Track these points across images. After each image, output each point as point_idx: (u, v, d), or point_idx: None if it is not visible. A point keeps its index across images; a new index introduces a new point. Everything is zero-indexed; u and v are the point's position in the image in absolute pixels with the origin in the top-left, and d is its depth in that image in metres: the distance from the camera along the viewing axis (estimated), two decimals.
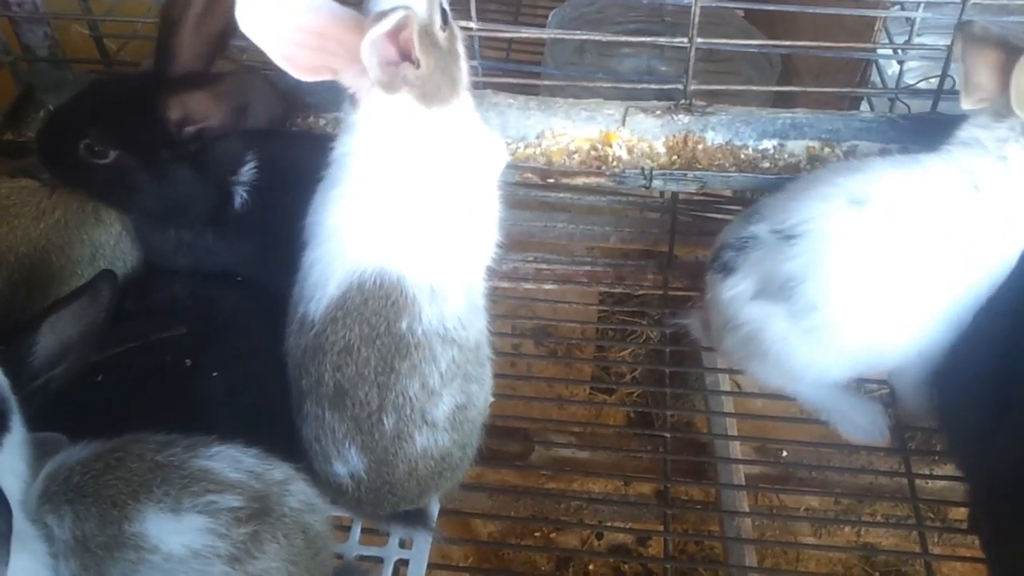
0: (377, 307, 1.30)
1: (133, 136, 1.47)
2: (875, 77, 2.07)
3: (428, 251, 1.33)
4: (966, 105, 1.48)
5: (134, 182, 1.50)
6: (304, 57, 1.25)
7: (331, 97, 1.90)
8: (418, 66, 1.26)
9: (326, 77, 1.28)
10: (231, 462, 1.18)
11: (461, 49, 1.38)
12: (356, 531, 1.57)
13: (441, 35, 1.31)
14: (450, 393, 1.36)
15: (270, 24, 1.22)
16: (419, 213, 1.33)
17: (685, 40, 1.78)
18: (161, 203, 1.53)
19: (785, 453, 2.21)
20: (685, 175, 1.81)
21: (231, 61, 1.74)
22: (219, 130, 1.48)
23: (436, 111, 1.33)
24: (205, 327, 1.51)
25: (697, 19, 1.74)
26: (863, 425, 1.69)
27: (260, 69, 1.76)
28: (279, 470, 1.22)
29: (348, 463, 1.37)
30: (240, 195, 1.56)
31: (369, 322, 1.30)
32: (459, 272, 1.37)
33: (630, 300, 2.53)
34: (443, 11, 1.32)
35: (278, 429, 1.41)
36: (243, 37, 1.89)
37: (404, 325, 1.30)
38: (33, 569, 1.06)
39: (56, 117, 1.56)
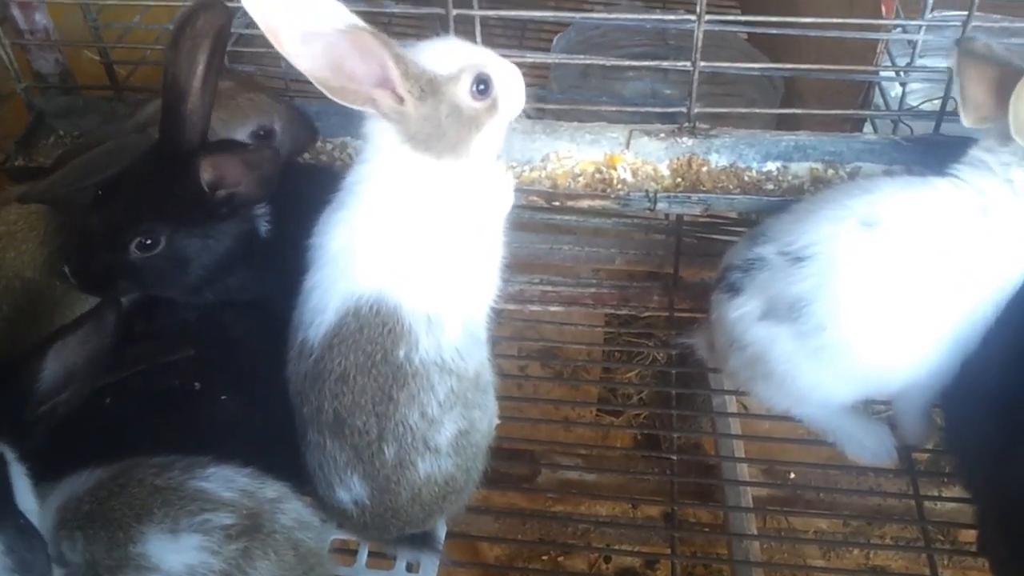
0: (373, 335, 1.29)
1: (174, 211, 1.45)
2: (878, 99, 2.08)
3: (427, 282, 1.32)
4: (967, 123, 1.49)
5: (187, 255, 1.48)
6: (333, 81, 1.25)
7: (338, 122, 1.93)
8: (400, 102, 1.28)
9: (356, 104, 1.29)
10: (225, 482, 1.22)
11: (493, 130, 1.36)
12: (363, 555, 1.57)
13: (468, 101, 1.32)
14: (451, 420, 1.35)
15: (302, 45, 1.23)
16: (421, 246, 1.33)
17: (688, 63, 1.79)
18: (215, 263, 1.51)
19: (793, 475, 2.21)
20: (689, 197, 1.82)
21: (242, 84, 1.75)
22: (248, 197, 1.48)
23: (439, 161, 1.33)
24: (214, 350, 1.52)
25: (700, 42, 1.75)
26: (870, 447, 1.68)
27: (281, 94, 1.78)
28: (272, 488, 1.26)
29: (351, 491, 1.37)
30: (264, 224, 1.56)
31: (364, 350, 1.29)
32: (458, 305, 1.36)
33: (636, 322, 2.53)
34: (484, 84, 1.32)
35: (287, 451, 1.40)
36: (250, 62, 1.92)
37: (401, 354, 1.29)
38: None
39: (87, 234, 1.46)
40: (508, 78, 1.36)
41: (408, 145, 1.32)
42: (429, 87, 1.29)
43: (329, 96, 1.26)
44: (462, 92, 1.32)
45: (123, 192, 1.46)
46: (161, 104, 1.44)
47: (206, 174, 1.43)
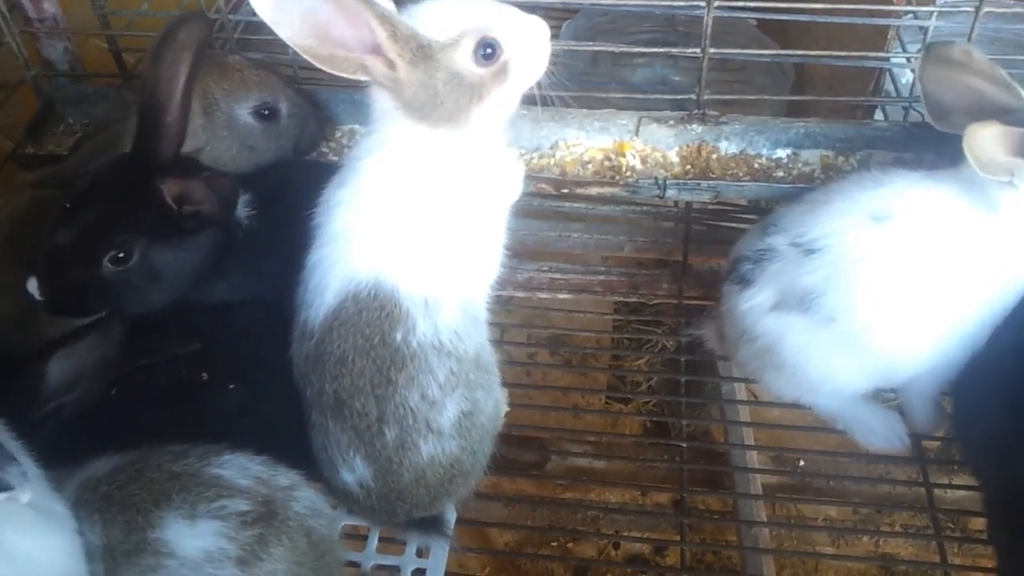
0: (371, 318, 1.28)
1: (147, 224, 1.42)
2: (888, 85, 2.06)
3: (425, 265, 1.30)
4: (940, 127, 1.49)
5: (159, 269, 1.44)
6: (320, 48, 1.20)
7: (347, 109, 1.93)
8: (392, 68, 1.22)
9: (347, 73, 1.24)
10: (240, 469, 1.24)
11: (500, 99, 1.29)
12: (373, 540, 1.58)
13: (471, 67, 1.24)
14: (453, 401, 1.35)
15: (275, 11, 1.17)
16: (419, 224, 1.30)
17: (698, 50, 1.78)
18: (185, 279, 1.49)
19: (802, 463, 2.20)
20: (699, 184, 1.81)
21: (254, 63, 1.74)
22: (213, 217, 1.46)
23: (437, 131, 1.29)
24: (220, 339, 1.52)
25: (709, 29, 1.75)
26: (881, 432, 1.68)
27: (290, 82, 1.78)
28: (285, 476, 1.28)
29: (354, 472, 1.37)
30: (244, 215, 1.54)
31: (363, 333, 1.29)
32: (456, 287, 1.34)
33: (645, 309, 2.53)
34: (490, 47, 1.24)
35: (295, 438, 1.41)
36: (258, 49, 1.91)
37: (399, 337, 1.29)
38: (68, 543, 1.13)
39: (56, 249, 1.39)
40: (523, 40, 1.27)
41: (402, 113, 1.28)
42: (421, 52, 1.22)
43: (318, 65, 1.21)
44: (462, 58, 1.23)
45: (95, 204, 1.41)
46: (137, 117, 1.42)
47: (172, 191, 1.41)
